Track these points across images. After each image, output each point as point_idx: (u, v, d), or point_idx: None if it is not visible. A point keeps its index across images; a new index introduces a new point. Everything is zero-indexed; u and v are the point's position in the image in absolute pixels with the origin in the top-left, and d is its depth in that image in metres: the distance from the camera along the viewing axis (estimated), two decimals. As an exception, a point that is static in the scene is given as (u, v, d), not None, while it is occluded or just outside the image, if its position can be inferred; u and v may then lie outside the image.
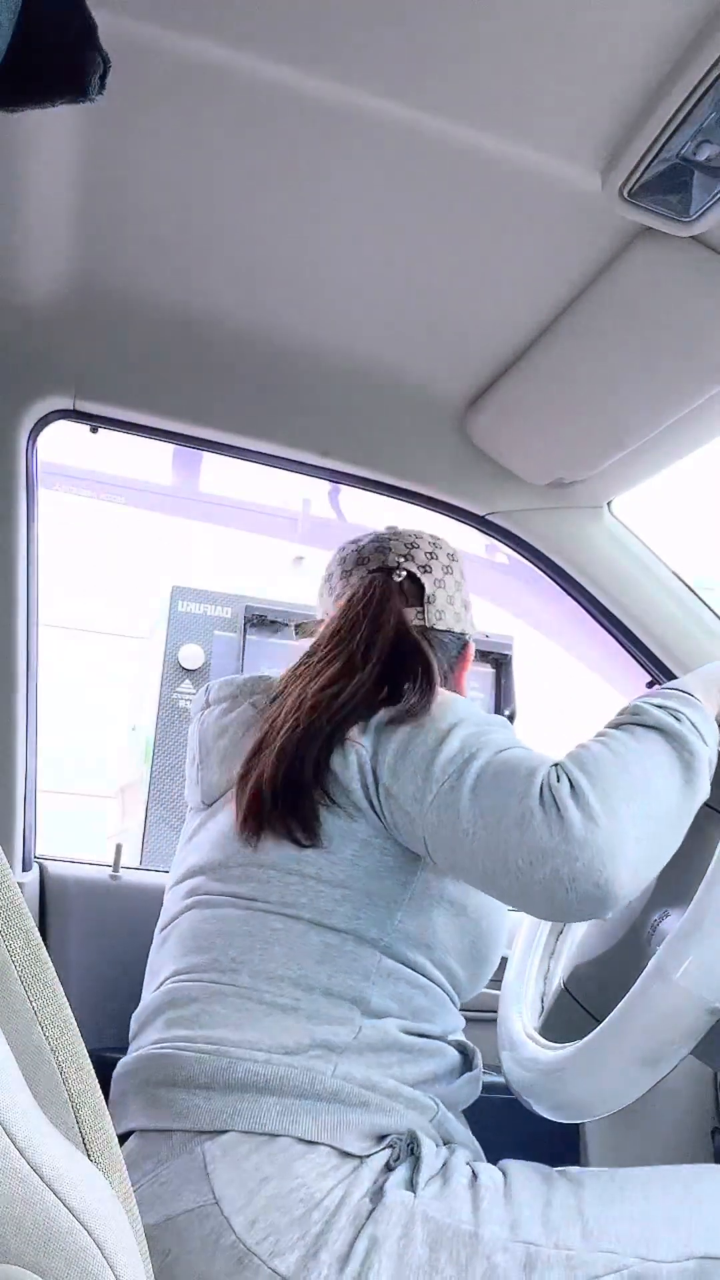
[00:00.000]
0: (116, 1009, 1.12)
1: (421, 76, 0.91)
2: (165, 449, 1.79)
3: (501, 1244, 0.86)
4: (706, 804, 1.19)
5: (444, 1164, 0.95)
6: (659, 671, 1.70)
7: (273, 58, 0.92)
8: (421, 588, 1.24)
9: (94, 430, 1.54)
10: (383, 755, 1.03)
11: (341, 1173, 0.90)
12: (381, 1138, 0.95)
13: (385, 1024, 1.01)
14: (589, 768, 0.94)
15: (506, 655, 4.22)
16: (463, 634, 1.27)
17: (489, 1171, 0.95)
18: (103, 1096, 0.55)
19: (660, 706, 1.02)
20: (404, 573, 1.23)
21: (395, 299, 1.28)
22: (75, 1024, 0.54)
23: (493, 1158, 1.09)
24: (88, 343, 1.43)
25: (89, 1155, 0.53)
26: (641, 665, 1.71)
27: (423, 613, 1.23)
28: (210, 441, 1.55)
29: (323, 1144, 0.92)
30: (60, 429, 1.53)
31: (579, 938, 1.33)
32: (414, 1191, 0.89)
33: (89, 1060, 0.55)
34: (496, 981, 1.38)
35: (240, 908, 1.04)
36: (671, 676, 1.69)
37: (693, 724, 1.00)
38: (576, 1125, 1.69)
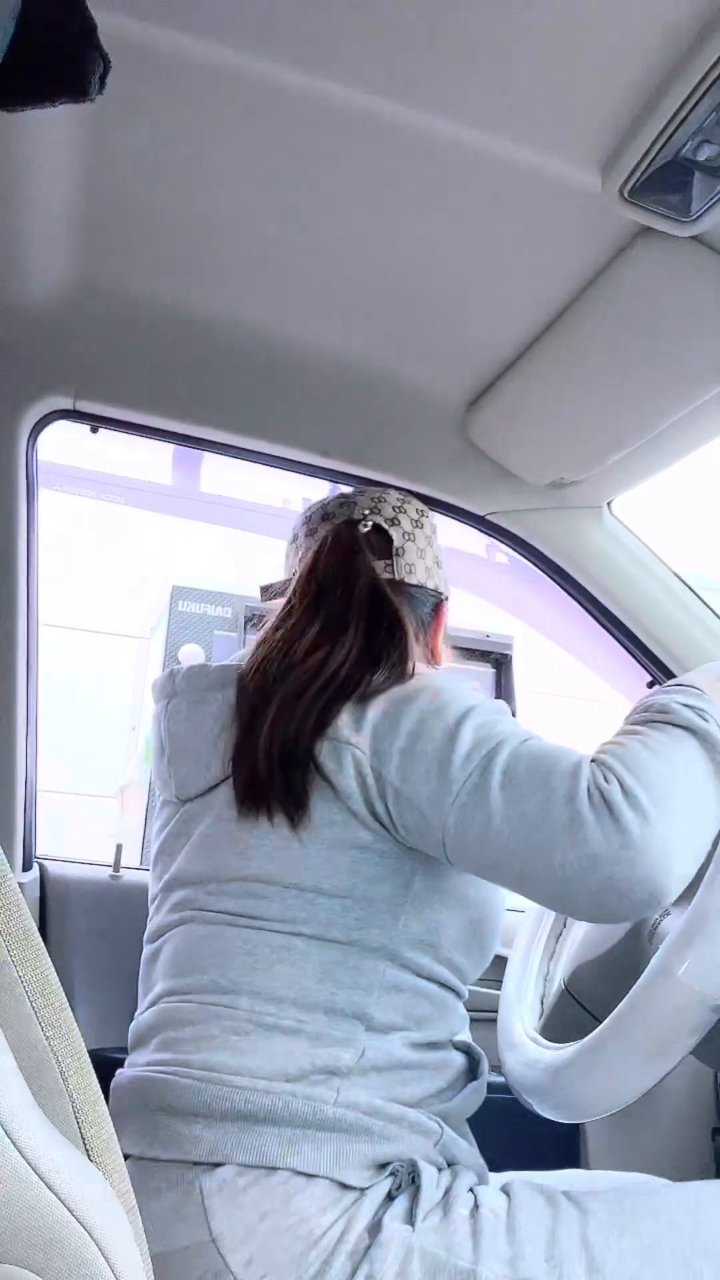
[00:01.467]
0: (116, 1009, 1.13)
1: (421, 76, 0.91)
2: (165, 449, 1.79)
3: None
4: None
5: (445, 1191, 0.92)
6: (659, 671, 1.70)
7: (273, 58, 0.92)
8: (389, 540, 1.18)
9: (94, 430, 1.54)
10: (387, 756, 0.97)
11: (342, 1205, 0.88)
12: (383, 1165, 0.92)
13: (389, 1042, 0.97)
14: (635, 768, 0.90)
15: (506, 655, 4.22)
16: (437, 591, 1.21)
17: (492, 1196, 0.92)
18: (103, 1097, 0.55)
19: (686, 705, 0.97)
20: (370, 524, 1.17)
21: (395, 299, 1.28)
22: (75, 1024, 0.54)
23: (494, 1158, 1.09)
24: (88, 343, 1.43)
25: (89, 1155, 0.53)
26: (641, 665, 1.71)
27: (391, 565, 1.17)
28: (210, 441, 1.55)
29: (323, 1177, 0.89)
30: (60, 429, 1.53)
31: (579, 938, 1.33)
32: (413, 1224, 0.87)
33: (89, 1060, 0.55)
34: (496, 981, 1.38)
35: (240, 926, 0.99)
36: (671, 676, 1.68)
37: (717, 723, 0.97)
38: (577, 1125, 1.69)
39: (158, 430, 1.53)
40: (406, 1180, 0.91)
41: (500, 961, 1.22)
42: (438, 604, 1.22)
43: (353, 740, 0.98)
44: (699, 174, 0.95)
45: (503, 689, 4.23)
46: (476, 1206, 0.90)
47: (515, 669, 4.25)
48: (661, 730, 0.96)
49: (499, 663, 4.25)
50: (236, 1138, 0.89)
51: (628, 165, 0.95)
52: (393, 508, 1.21)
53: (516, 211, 1.08)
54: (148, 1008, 1.04)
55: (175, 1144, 0.91)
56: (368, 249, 1.19)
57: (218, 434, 1.53)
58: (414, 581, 1.17)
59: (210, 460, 1.79)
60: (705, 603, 1.70)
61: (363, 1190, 0.89)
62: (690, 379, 1.27)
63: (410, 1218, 0.87)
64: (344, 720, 0.99)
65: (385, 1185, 0.91)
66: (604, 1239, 0.87)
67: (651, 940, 1.16)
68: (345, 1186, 0.89)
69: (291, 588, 1.14)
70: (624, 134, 0.93)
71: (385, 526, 1.18)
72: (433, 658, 1.22)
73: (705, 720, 0.96)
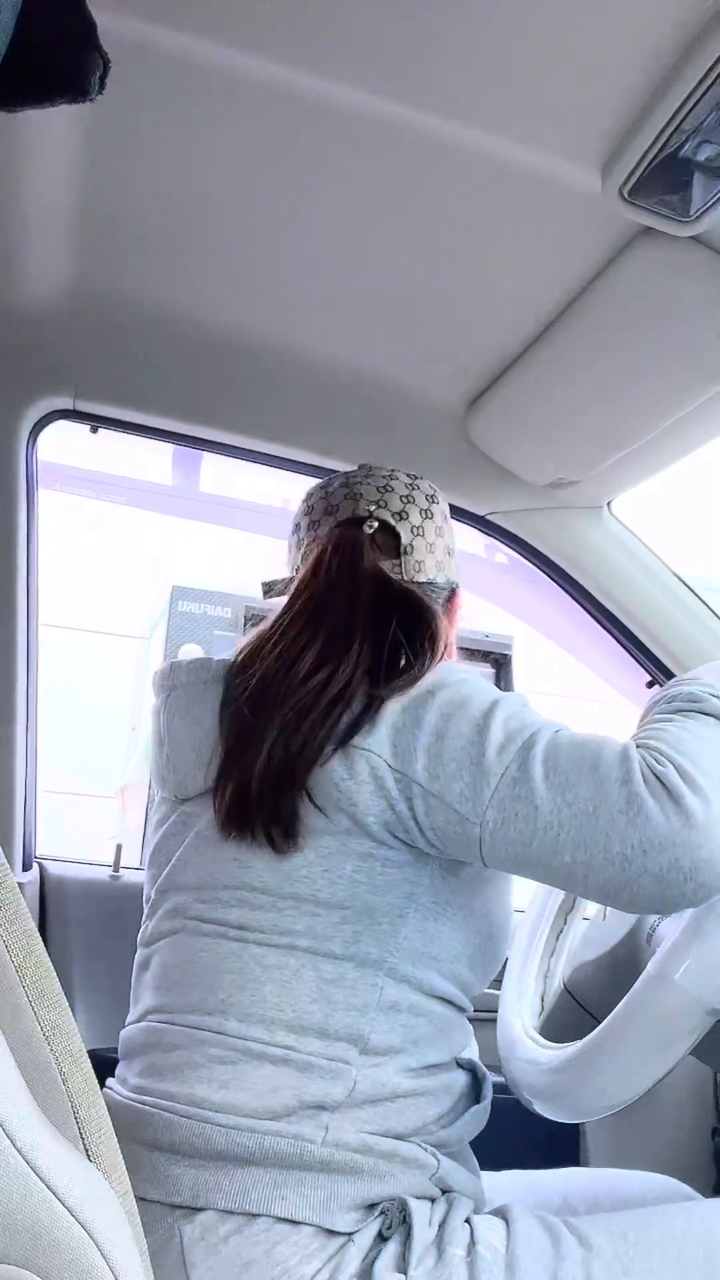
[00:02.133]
0: (116, 1009, 1.12)
1: (421, 77, 0.91)
2: (165, 449, 1.79)
3: None
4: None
5: (439, 1228, 0.87)
6: (659, 671, 1.70)
7: (273, 58, 0.92)
8: (397, 538, 1.11)
9: (94, 430, 1.54)
10: (410, 755, 0.92)
11: (327, 1253, 0.83)
12: (373, 1205, 0.88)
13: (384, 1069, 0.92)
14: (685, 750, 0.87)
15: (506, 655, 4.22)
16: (449, 582, 1.15)
17: (489, 1230, 0.87)
18: (102, 1097, 0.55)
19: (715, 695, 0.96)
20: (375, 523, 1.11)
21: (395, 299, 1.28)
22: (75, 1024, 0.54)
23: (494, 1158, 1.09)
24: (88, 343, 1.43)
25: (88, 1156, 0.53)
26: (641, 665, 1.71)
27: (399, 565, 1.11)
28: (210, 441, 1.56)
29: (307, 1224, 0.84)
30: (60, 429, 1.53)
31: (579, 937, 1.33)
32: (405, 1272, 0.82)
33: (89, 1060, 0.55)
34: (496, 981, 1.38)
35: (231, 939, 0.95)
36: (671, 676, 1.68)
37: None
38: (576, 1125, 1.69)
39: (158, 430, 1.53)
40: (397, 1220, 0.87)
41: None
42: (450, 595, 1.17)
43: (366, 744, 0.93)
44: (699, 174, 0.95)
45: (502, 689, 4.23)
46: (473, 1244, 0.85)
47: (515, 669, 4.25)
48: (696, 719, 0.94)
49: (499, 663, 4.24)
50: (217, 1180, 0.86)
51: (628, 165, 0.95)
52: (400, 498, 1.13)
53: (516, 212, 1.08)
54: (135, 1021, 1.01)
55: (157, 1182, 0.87)
56: (368, 249, 1.19)
57: (218, 434, 1.53)
58: (423, 579, 1.12)
59: (210, 460, 1.79)
60: (705, 603, 1.70)
61: (350, 1235, 0.85)
62: (690, 379, 1.27)
63: (403, 1263, 0.83)
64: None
65: (374, 1226, 0.86)
66: (609, 1279, 0.84)
67: (650, 942, 1.16)
68: (330, 1232, 0.85)
69: (292, 592, 1.08)
70: (624, 134, 0.93)
71: (392, 523, 1.11)
72: (446, 652, 1.16)
73: None
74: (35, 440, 1.51)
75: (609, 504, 1.64)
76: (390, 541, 1.11)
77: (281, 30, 0.89)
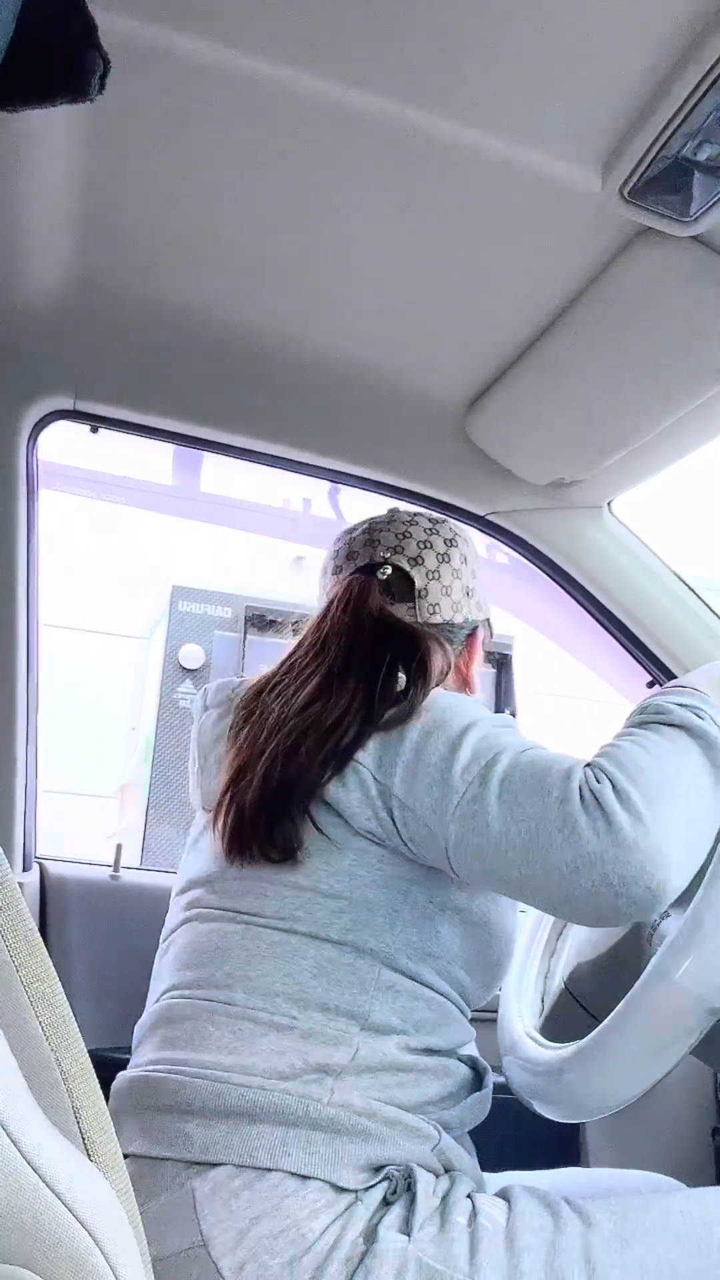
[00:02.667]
0: (116, 1009, 1.12)
1: (421, 77, 0.91)
2: (165, 449, 1.79)
3: None
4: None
5: (442, 1199, 0.90)
6: (659, 671, 1.70)
7: (273, 58, 0.92)
8: (412, 582, 1.18)
9: (94, 430, 1.54)
10: (391, 768, 0.98)
11: (335, 1209, 0.86)
12: (378, 1169, 0.91)
13: (385, 1043, 0.96)
14: (628, 768, 0.90)
15: (506, 655, 4.22)
16: (467, 621, 1.21)
17: (490, 1205, 0.90)
18: (103, 1097, 0.55)
19: (682, 705, 0.98)
20: (389, 569, 1.17)
21: (395, 299, 1.28)
22: (75, 1024, 0.54)
23: (494, 1158, 1.09)
24: (88, 343, 1.43)
25: (89, 1155, 0.53)
26: (641, 665, 1.71)
27: (414, 609, 1.17)
28: (210, 441, 1.55)
29: (316, 1179, 0.88)
30: (60, 429, 1.53)
31: (580, 937, 1.33)
32: (409, 1234, 0.85)
33: (89, 1060, 0.55)
34: (496, 981, 1.38)
35: (238, 922, 1.01)
36: (672, 676, 1.69)
37: (714, 721, 0.97)
38: (576, 1125, 1.69)
39: (158, 430, 1.53)
40: (403, 1186, 0.89)
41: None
42: (471, 633, 1.22)
43: (359, 758, 0.99)
44: (699, 174, 0.95)
45: (503, 689, 4.23)
46: (475, 1214, 0.88)
47: (515, 669, 4.25)
48: (656, 730, 0.97)
49: (499, 663, 4.25)
50: (229, 1137, 0.89)
51: (628, 165, 0.95)
52: (418, 544, 1.20)
53: (516, 212, 1.08)
54: (152, 1004, 1.06)
55: (170, 1142, 0.90)
56: (368, 248, 1.19)
57: (218, 434, 1.53)
58: (438, 620, 1.17)
59: (210, 460, 1.79)
60: (705, 603, 1.70)
61: (357, 1193, 0.88)
62: (690, 379, 1.27)
63: (407, 1226, 0.86)
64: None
65: (380, 1189, 0.89)
66: (606, 1251, 0.85)
67: (650, 942, 1.16)
68: (339, 1189, 0.88)
69: (303, 633, 1.15)
70: (624, 134, 0.93)
71: (407, 569, 1.18)
72: (466, 687, 1.22)
73: (701, 719, 0.96)
74: (35, 440, 1.51)
75: (609, 504, 1.64)
76: (405, 586, 1.18)
77: (282, 30, 0.89)
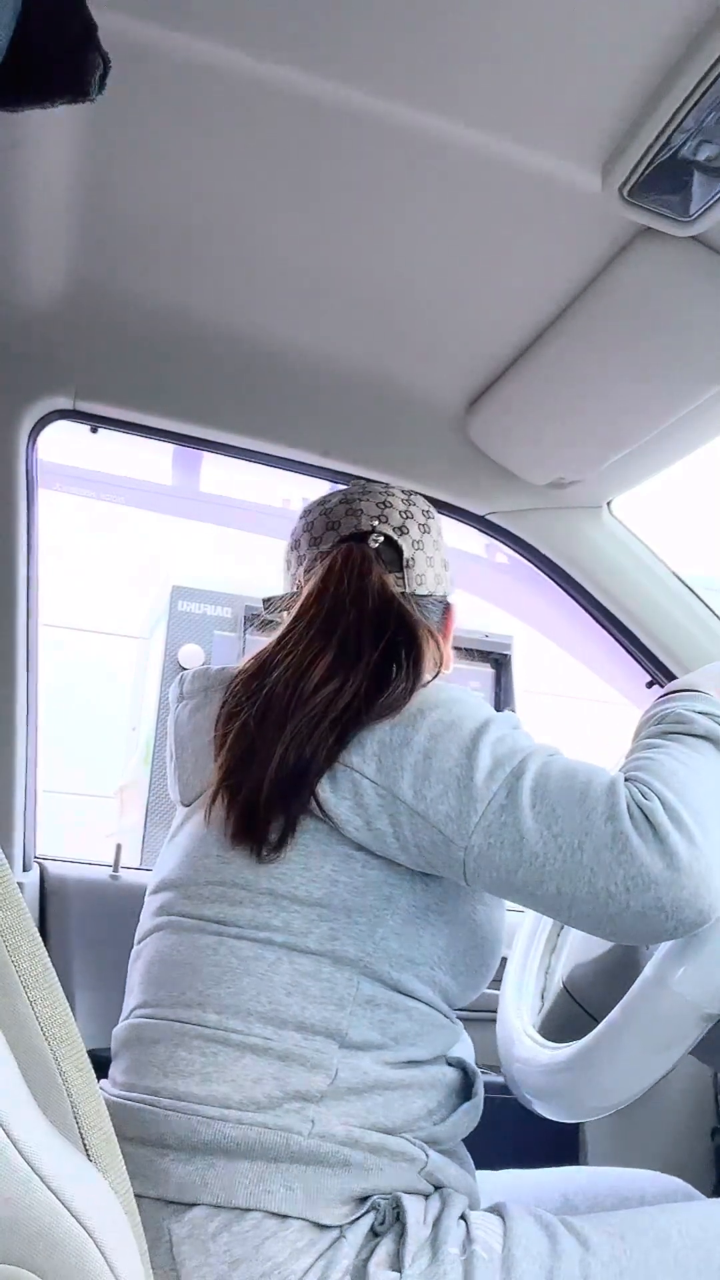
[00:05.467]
0: (116, 1009, 1.12)
1: (421, 77, 0.91)
2: (165, 449, 1.79)
3: None
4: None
5: (434, 1225, 0.86)
6: (659, 671, 1.70)
7: (273, 58, 0.92)
8: (399, 551, 1.13)
9: (94, 430, 1.54)
10: (396, 773, 0.93)
11: (318, 1248, 0.82)
12: (364, 1199, 0.87)
13: (364, 1060, 0.92)
14: (672, 784, 0.87)
15: (506, 655, 4.22)
16: (444, 595, 1.17)
17: (485, 1229, 0.87)
18: (102, 1097, 0.55)
19: (703, 713, 0.95)
20: (380, 537, 1.12)
21: (395, 298, 1.28)
22: (75, 1024, 0.54)
23: (493, 1158, 1.09)
24: (88, 343, 1.43)
25: (88, 1155, 0.53)
26: (641, 665, 1.72)
27: (403, 579, 1.12)
28: (210, 441, 1.55)
29: (295, 1218, 0.84)
30: (60, 429, 1.53)
31: (579, 936, 1.33)
32: (400, 1270, 0.81)
33: (89, 1060, 0.55)
34: (496, 980, 1.38)
35: (210, 933, 0.96)
36: (671, 676, 1.69)
37: None
38: (576, 1125, 1.70)
39: (158, 430, 1.53)
40: (391, 1216, 0.86)
41: (500, 962, 1.21)
42: (447, 608, 1.19)
43: (351, 763, 0.94)
44: (699, 174, 0.95)
45: (503, 689, 4.23)
46: (469, 1241, 0.85)
47: (515, 669, 4.25)
48: (684, 743, 0.94)
49: (499, 663, 4.24)
50: (204, 1174, 0.85)
51: (628, 165, 0.95)
52: (400, 514, 1.16)
53: (516, 211, 1.08)
54: (124, 1019, 1.02)
55: (144, 1178, 0.86)
56: (367, 249, 1.19)
57: (218, 434, 1.53)
58: (424, 592, 1.14)
59: (210, 460, 1.79)
60: (705, 603, 1.70)
61: (340, 1228, 0.84)
62: (690, 379, 1.27)
63: (397, 1262, 0.82)
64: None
65: (366, 1222, 0.85)
66: (605, 1278, 0.84)
67: (647, 945, 1.16)
68: (321, 1226, 0.84)
69: (299, 607, 1.08)
70: (624, 134, 0.93)
71: (395, 537, 1.14)
72: (443, 664, 1.17)
73: None
74: (35, 440, 1.51)
75: (609, 504, 1.64)
76: (394, 556, 1.13)
77: (282, 30, 0.89)
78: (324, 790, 0.95)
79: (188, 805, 1.08)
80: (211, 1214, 0.84)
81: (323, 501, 1.20)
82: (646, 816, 0.85)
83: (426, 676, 1.01)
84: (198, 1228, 0.83)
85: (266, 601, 1.20)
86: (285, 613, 1.14)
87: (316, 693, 0.98)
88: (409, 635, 1.03)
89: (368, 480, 1.21)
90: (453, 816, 0.90)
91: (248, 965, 0.93)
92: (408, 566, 1.13)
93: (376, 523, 1.14)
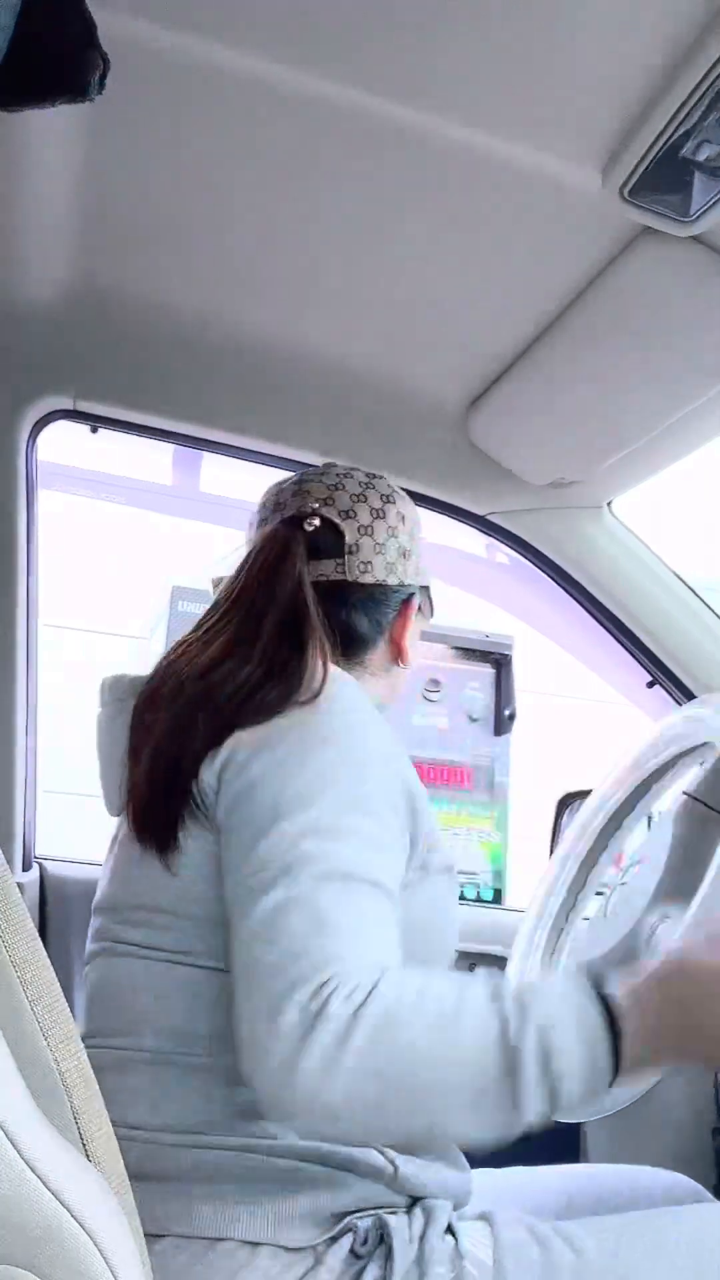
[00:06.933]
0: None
1: (421, 77, 0.91)
2: (165, 449, 1.79)
3: None
4: (707, 805, 1.20)
5: (420, 1244, 0.82)
6: (659, 672, 1.70)
7: (273, 58, 0.92)
8: (342, 536, 1.06)
9: (94, 430, 1.54)
10: (221, 800, 0.87)
11: (294, 1274, 0.79)
12: (338, 1217, 0.82)
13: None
14: (381, 1030, 0.72)
15: (506, 655, 4.22)
16: (402, 585, 1.09)
17: (475, 1241, 0.83)
18: (101, 1097, 0.55)
19: (556, 1051, 0.73)
20: (318, 520, 1.05)
21: (395, 299, 1.28)
22: (74, 1025, 0.54)
23: (494, 1156, 1.08)
24: (88, 343, 1.43)
25: (88, 1155, 0.53)
26: (641, 665, 1.71)
27: (343, 565, 1.05)
28: (210, 441, 1.56)
29: (265, 1244, 0.80)
30: (60, 429, 1.53)
31: (580, 938, 1.33)
32: None
33: (88, 1061, 0.55)
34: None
35: (138, 958, 0.91)
36: (672, 676, 1.68)
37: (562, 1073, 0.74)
38: (576, 1124, 1.69)
39: (158, 430, 1.53)
40: (374, 1238, 0.82)
41: (500, 962, 1.21)
42: (406, 599, 1.10)
43: (207, 762, 0.89)
44: (699, 174, 0.95)
45: (503, 689, 4.23)
46: (458, 1257, 0.82)
47: (515, 669, 4.25)
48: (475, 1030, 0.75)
49: (499, 663, 4.24)
50: (165, 1205, 0.81)
51: (628, 165, 0.95)
52: (350, 496, 1.08)
53: (516, 211, 1.08)
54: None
55: None
56: (368, 248, 1.19)
57: (218, 434, 1.53)
58: (370, 580, 1.06)
59: (210, 460, 1.79)
60: (705, 603, 1.70)
61: (314, 1249, 0.81)
62: (690, 379, 1.27)
63: None
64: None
65: (345, 1243, 0.81)
66: None
67: (649, 944, 1.16)
68: (291, 1250, 0.80)
69: (219, 595, 1.03)
70: (624, 134, 0.93)
71: (337, 521, 1.06)
72: (399, 658, 1.10)
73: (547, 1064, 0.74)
74: (35, 440, 1.51)
75: (609, 504, 1.64)
76: (334, 540, 1.06)
77: (282, 30, 0.89)
78: (206, 777, 0.88)
79: (117, 817, 1.04)
80: (181, 1245, 0.81)
81: (282, 481, 1.14)
82: (315, 1019, 0.72)
83: (309, 680, 0.91)
84: (168, 1261, 0.80)
85: (214, 583, 1.12)
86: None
87: (205, 676, 0.92)
88: (300, 632, 0.95)
89: (337, 465, 1.15)
90: (233, 860, 0.84)
91: (182, 989, 0.88)
92: (349, 552, 1.06)
93: (318, 505, 1.07)
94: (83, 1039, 0.94)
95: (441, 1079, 0.73)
